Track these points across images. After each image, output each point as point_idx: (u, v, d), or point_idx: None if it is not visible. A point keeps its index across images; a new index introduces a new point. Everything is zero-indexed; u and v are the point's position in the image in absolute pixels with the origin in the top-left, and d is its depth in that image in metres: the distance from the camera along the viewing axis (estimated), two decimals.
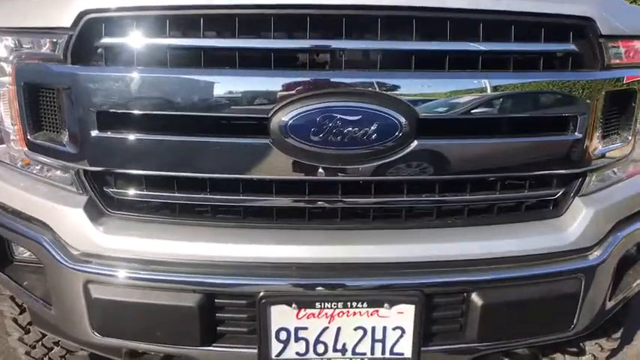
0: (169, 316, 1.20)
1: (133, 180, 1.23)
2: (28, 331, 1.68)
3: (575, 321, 1.32)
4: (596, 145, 1.29)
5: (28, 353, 1.72)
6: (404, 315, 1.20)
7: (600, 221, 1.31)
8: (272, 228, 1.23)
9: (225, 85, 1.11)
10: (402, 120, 1.13)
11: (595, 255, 1.30)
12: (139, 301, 1.18)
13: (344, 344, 1.22)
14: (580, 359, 2.01)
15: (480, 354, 1.31)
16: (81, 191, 1.25)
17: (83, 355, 1.72)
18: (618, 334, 1.95)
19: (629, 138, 1.39)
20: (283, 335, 1.20)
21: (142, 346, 1.24)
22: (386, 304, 1.18)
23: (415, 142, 1.16)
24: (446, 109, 1.16)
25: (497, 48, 1.18)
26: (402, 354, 1.23)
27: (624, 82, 1.33)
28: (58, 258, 1.21)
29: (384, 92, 1.12)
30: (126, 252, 1.21)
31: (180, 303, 1.18)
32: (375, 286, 1.18)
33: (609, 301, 1.40)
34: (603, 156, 1.34)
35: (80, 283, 1.20)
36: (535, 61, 1.21)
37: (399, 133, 1.14)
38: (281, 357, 1.21)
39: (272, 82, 1.11)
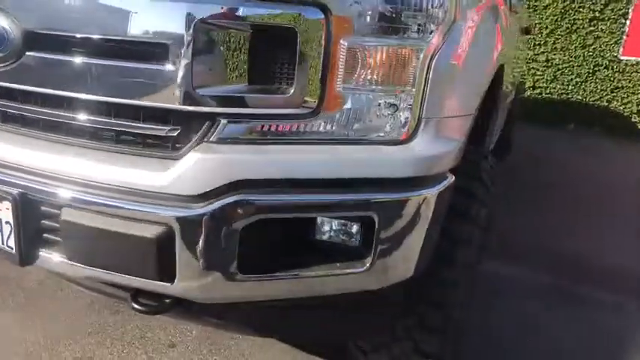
0: None
1: None
2: None
3: (177, 274, 1.21)
4: (208, 83, 1.15)
5: None
6: (8, 212, 1.31)
7: (204, 172, 1.17)
8: None
9: None
10: (10, 30, 1.24)
11: (194, 207, 1.17)
12: None
13: None
14: None
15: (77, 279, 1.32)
16: None
17: None
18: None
19: (290, 90, 1.18)
20: None
21: None
22: None
23: (26, 54, 1.26)
24: (50, 24, 1.21)
25: None
26: (12, 248, 1.34)
27: (266, 17, 1.14)
28: None
29: None
30: None
31: None
32: None
33: (241, 274, 1.21)
34: (240, 103, 1.18)
35: None
36: None
37: (8, 42, 1.25)
38: None
39: None
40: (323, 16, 1.15)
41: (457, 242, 1.56)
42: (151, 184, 1.21)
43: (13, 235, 1.33)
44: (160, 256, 1.20)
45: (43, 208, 1.29)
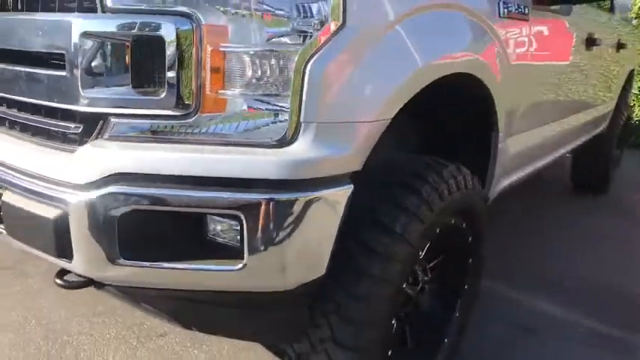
0: None
1: None
2: None
3: (73, 255, 1.37)
4: (97, 86, 1.32)
5: None
6: None
7: (89, 164, 1.32)
8: None
9: None
10: None
11: (80, 195, 1.32)
12: None
13: None
14: None
15: None
16: None
17: None
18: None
19: (161, 93, 1.28)
20: None
21: None
22: None
23: None
24: None
25: None
26: None
27: (139, 29, 1.26)
28: None
29: None
30: None
31: None
32: None
33: (122, 259, 1.33)
34: (123, 104, 1.32)
35: None
36: None
37: None
38: None
39: None
40: (190, 25, 1.25)
41: (373, 254, 1.50)
42: (59, 172, 1.40)
43: None
44: (59, 236, 1.37)
45: None
